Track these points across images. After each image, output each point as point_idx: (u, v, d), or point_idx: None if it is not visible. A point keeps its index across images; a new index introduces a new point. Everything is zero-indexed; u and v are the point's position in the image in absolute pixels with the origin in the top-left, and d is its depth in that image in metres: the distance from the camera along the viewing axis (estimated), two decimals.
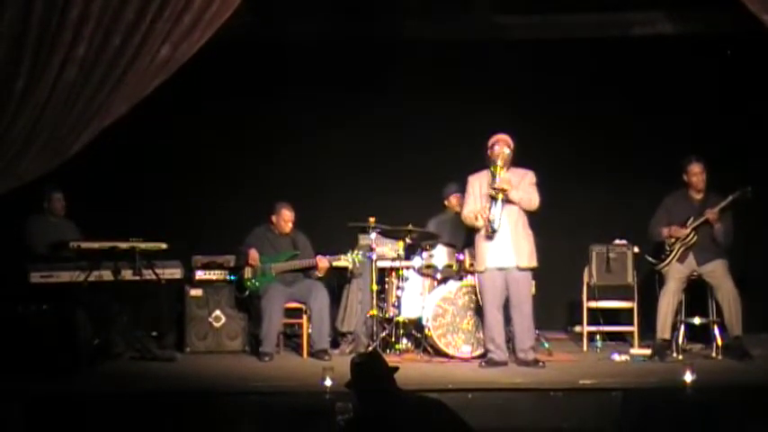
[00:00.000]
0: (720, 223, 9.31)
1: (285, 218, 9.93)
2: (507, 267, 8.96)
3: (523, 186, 8.98)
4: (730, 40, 10.54)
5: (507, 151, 8.96)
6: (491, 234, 8.91)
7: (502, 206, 8.88)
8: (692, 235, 9.37)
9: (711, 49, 10.75)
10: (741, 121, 10.68)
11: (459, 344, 9.41)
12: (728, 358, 9.19)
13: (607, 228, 10.48)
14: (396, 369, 5.55)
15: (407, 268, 9.90)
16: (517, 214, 8.96)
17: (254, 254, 9.82)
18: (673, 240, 9.42)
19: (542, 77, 11.03)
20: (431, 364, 9.27)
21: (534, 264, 9.05)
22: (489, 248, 8.97)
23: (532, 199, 8.97)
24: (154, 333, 9.97)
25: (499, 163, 8.91)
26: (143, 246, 9.35)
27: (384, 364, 5.56)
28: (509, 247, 8.95)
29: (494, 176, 8.91)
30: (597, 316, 10.17)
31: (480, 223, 8.97)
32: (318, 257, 9.84)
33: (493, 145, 8.98)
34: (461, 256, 9.69)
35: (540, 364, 8.94)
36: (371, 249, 9.86)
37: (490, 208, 8.89)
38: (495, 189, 8.87)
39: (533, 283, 9.28)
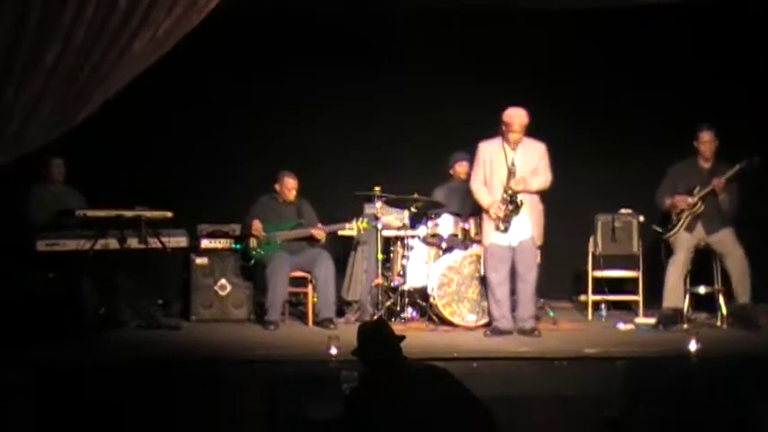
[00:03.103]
0: (725, 193, 9.30)
1: (288, 186, 9.94)
2: (513, 244, 8.97)
3: (536, 163, 8.96)
4: (734, 7, 10.47)
5: (517, 136, 8.93)
6: (503, 231, 8.94)
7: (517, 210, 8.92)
8: (699, 204, 9.35)
9: (713, 18, 10.68)
10: (744, 90, 10.63)
11: (464, 313, 9.43)
12: (735, 326, 9.20)
13: (612, 197, 10.47)
14: (402, 338, 5.56)
15: (413, 237, 9.91)
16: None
17: (257, 225, 9.83)
18: (680, 209, 9.41)
19: (544, 48, 10.97)
20: (436, 332, 9.29)
21: (540, 242, 9.07)
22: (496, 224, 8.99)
23: (544, 182, 9.01)
24: (159, 301, 10.00)
25: (510, 161, 8.90)
26: (149, 214, 9.34)
27: (391, 333, 5.57)
28: (517, 224, 8.94)
29: (510, 173, 8.90)
30: (602, 285, 10.20)
31: (492, 214, 8.99)
32: (314, 229, 9.85)
33: (508, 125, 8.93)
34: (467, 225, 9.68)
35: (536, 332, 8.96)
36: (376, 218, 9.86)
37: (506, 212, 8.91)
38: (512, 193, 8.88)
39: (538, 252, 9.29)
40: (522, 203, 8.88)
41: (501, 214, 8.93)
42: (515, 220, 8.94)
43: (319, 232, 9.84)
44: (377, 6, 11.01)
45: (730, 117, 10.39)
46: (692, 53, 10.77)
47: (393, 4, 11.05)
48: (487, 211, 9.02)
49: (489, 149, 9.07)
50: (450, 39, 11.09)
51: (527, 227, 8.97)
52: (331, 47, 11.06)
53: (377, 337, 5.54)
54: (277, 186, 9.99)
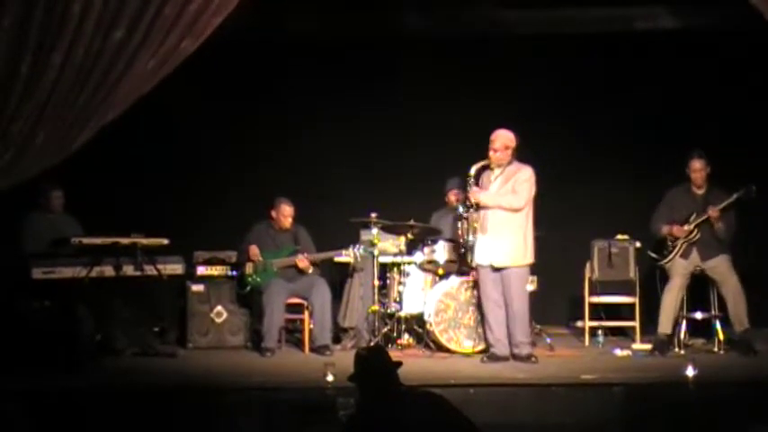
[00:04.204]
0: (721, 222, 9.31)
1: (285, 213, 9.94)
2: (495, 265, 8.97)
3: (514, 183, 8.98)
4: (732, 35, 10.52)
5: (500, 155, 8.97)
6: (464, 245, 9.09)
7: (469, 223, 9.06)
8: (694, 231, 9.36)
9: (713, 43, 10.73)
10: (742, 117, 10.66)
11: (460, 339, 9.42)
12: (733, 352, 9.20)
13: (609, 223, 10.47)
14: (399, 364, 5.53)
15: (409, 263, 9.90)
16: (506, 213, 8.97)
17: (254, 249, 9.83)
18: (675, 237, 9.42)
19: (544, 72, 11.01)
20: (432, 359, 9.27)
21: (526, 261, 9.04)
22: (479, 245, 9.06)
23: (512, 202, 8.95)
24: (155, 329, 9.96)
25: (472, 172, 9.04)
26: (144, 241, 9.33)
27: (388, 359, 5.54)
28: (495, 246, 8.98)
29: (469, 185, 9.06)
30: (599, 311, 10.20)
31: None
32: (298, 258, 9.84)
33: (491, 142, 9.02)
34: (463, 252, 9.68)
35: (533, 359, 8.94)
36: (373, 245, 9.86)
37: (466, 228, 9.08)
38: (466, 207, 9.02)
39: (533, 278, 9.31)
40: (473, 208, 8.99)
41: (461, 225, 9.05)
42: (488, 243, 8.97)
43: (302, 262, 9.83)
44: (375, 32, 11.06)
45: (731, 141, 10.43)
46: (694, 78, 10.79)
47: (392, 29, 11.10)
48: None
49: (481, 173, 9.13)
50: (449, 63, 11.11)
51: (499, 253, 8.97)
52: (328, 71, 11.10)
53: (374, 364, 5.52)
54: (273, 213, 9.98)
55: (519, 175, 9.02)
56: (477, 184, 9.11)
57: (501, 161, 9.00)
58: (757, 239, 10.30)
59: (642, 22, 11.05)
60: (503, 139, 9.00)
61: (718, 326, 9.41)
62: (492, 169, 9.07)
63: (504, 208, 8.96)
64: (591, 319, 10.18)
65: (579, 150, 11.01)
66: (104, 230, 9.31)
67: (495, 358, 8.94)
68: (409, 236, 9.90)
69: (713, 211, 9.26)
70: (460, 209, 9.15)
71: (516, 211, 8.97)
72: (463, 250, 9.26)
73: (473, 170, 9.06)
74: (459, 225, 9.21)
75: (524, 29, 11.12)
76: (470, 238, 9.08)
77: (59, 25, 7.92)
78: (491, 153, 9.00)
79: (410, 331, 9.86)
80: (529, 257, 9.04)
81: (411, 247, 9.96)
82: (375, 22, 11.08)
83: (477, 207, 9.05)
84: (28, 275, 8.92)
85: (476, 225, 9.04)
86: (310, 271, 9.87)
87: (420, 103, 11.10)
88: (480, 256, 9.03)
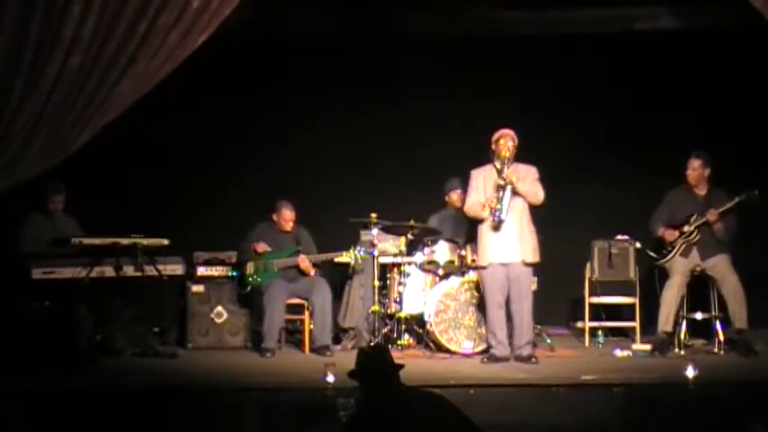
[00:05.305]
0: (721, 223, 9.30)
1: (285, 217, 9.93)
2: (510, 262, 8.96)
3: (528, 182, 8.99)
4: (732, 35, 10.52)
5: (512, 144, 8.97)
6: (497, 224, 8.92)
7: (510, 197, 8.90)
8: (694, 232, 9.36)
9: (714, 44, 10.73)
10: (742, 117, 10.66)
11: (460, 339, 9.41)
12: (733, 353, 9.20)
13: (609, 223, 10.47)
14: (401, 366, 5.53)
15: (409, 264, 9.90)
16: (521, 209, 8.98)
17: (262, 244, 9.80)
18: (670, 241, 9.42)
19: (543, 73, 11.01)
20: (433, 359, 9.27)
21: (537, 259, 9.06)
22: (493, 243, 8.98)
23: (538, 192, 8.99)
24: (155, 329, 9.96)
25: (506, 155, 8.92)
26: (145, 242, 9.33)
27: (390, 359, 5.55)
28: (514, 242, 8.95)
29: (499, 171, 8.93)
30: (599, 311, 10.19)
31: (486, 213, 8.97)
32: (300, 258, 9.84)
33: (498, 139, 8.99)
34: (464, 252, 9.67)
35: (534, 359, 8.93)
36: (373, 245, 9.85)
37: (499, 198, 8.89)
38: (503, 179, 8.88)
39: (535, 279, 9.30)
40: (511, 183, 8.86)
41: (494, 204, 8.92)
42: (507, 240, 8.94)
43: (303, 262, 9.82)
44: (375, 31, 11.05)
45: (731, 142, 10.42)
46: (694, 78, 10.80)
47: (392, 30, 11.09)
48: (483, 220, 9.00)
49: (483, 173, 9.10)
50: (449, 63, 11.12)
51: (517, 250, 8.98)
52: (329, 70, 11.09)
53: (376, 362, 5.52)
54: (274, 216, 9.98)
55: (529, 174, 9.04)
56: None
57: (509, 159, 8.97)
58: (757, 240, 10.29)
59: (642, 23, 11.05)
60: (511, 133, 9.00)
61: (718, 326, 9.40)
62: (498, 168, 9.02)
63: (531, 198, 8.97)
64: (591, 319, 10.18)
65: (579, 150, 11.00)
66: (104, 231, 9.30)
67: (495, 359, 8.93)
68: (409, 236, 9.89)
69: (712, 215, 9.26)
70: (501, 182, 8.87)
71: (538, 205, 9.01)
72: (497, 219, 9.00)
73: (506, 154, 8.96)
74: (499, 195, 8.88)
75: (524, 29, 11.11)
76: (503, 208, 8.90)
77: (59, 25, 7.91)
78: (508, 147, 8.94)
79: (410, 332, 9.86)
80: (536, 254, 9.09)
81: (411, 248, 9.96)
82: (375, 22, 11.07)
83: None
84: (28, 276, 8.92)
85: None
86: (312, 273, 9.87)
87: (420, 103, 11.10)
88: (496, 254, 8.99)
